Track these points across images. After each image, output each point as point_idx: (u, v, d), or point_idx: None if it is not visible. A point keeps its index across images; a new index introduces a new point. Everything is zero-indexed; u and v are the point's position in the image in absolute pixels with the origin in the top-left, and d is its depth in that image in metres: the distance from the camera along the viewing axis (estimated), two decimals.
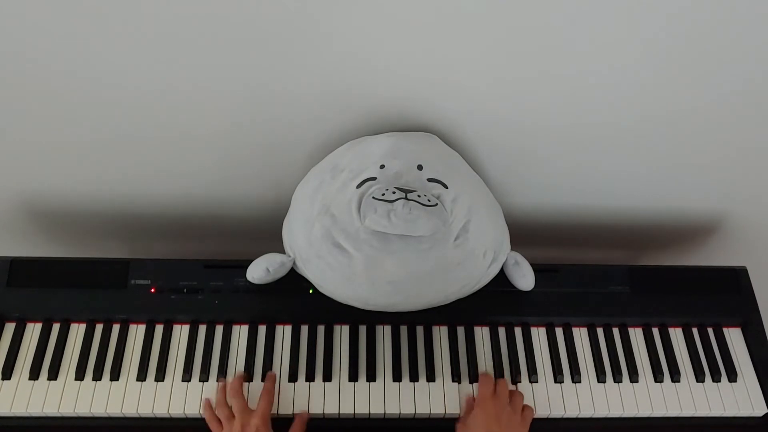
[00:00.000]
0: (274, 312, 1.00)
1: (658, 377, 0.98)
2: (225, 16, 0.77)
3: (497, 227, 0.97)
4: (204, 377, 0.95)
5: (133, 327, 0.98)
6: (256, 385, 0.94)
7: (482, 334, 1.00)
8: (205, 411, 0.91)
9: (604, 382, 0.97)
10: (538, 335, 1.01)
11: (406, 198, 0.85)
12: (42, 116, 0.94)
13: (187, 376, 0.95)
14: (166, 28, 0.79)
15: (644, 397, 0.96)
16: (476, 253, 0.92)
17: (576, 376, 0.97)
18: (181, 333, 0.98)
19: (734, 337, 1.02)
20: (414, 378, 0.96)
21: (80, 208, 1.17)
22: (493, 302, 1.00)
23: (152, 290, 0.99)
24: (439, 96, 0.92)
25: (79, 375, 0.94)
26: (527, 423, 0.90)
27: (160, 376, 0.94)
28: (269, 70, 0.86)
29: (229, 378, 0.95)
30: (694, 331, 1.03)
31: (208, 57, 0.84)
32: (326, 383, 0.95)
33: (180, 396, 0.93)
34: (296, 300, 0.99)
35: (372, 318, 0.98)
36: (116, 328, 0.98)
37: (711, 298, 1.04)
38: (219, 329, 0.99)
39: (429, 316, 0.98)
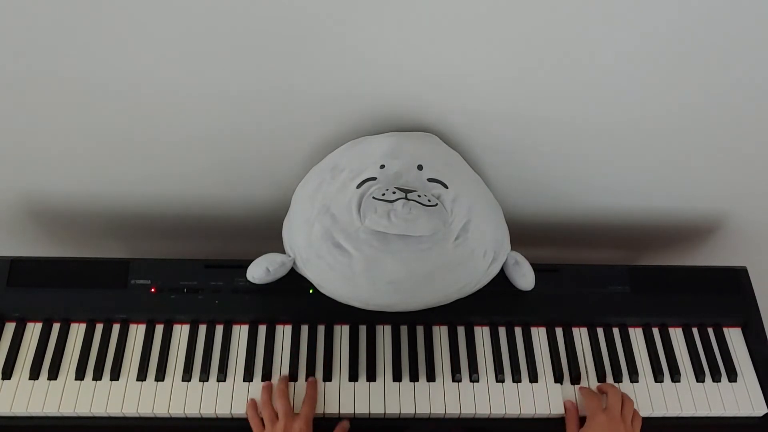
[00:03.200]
0: (274, 312, 1.00)
1: (658, 377, 0.98)
2: (226, 17, 0.77)
3: (497, 227, 0.97)
4: (204, 377, 0.95)
5: (133, 327, 0.98)
6: (255, 386, 0.94)
7: (482, 334, 1.00)
8: (249, 409, 0.91)
9: (604, 382, 0.97)
10: (538, 335, 1.01)
11: (406, 198, 0.85)
12: (42, 117, 0.94)
13: (187, 376, 0.95)
14: (167, 31, 0.79)
15: (644, 397, 0.96)
16: (476, 253, 0.92)
17: (576, 376, 0.97)
18: (181, 333, 0.98)
19: (734, 337, 1.02)
20: (414, 378, 0.95)
21: (80, 208, 1.17)
22: (493, 302, 1.00)
23: (152, 290, 0.99)
24: (439, 96, 0.92)
25: (79, 375, 0.94)
26: None
27: (160, 376, 0.94)
28: (269, 71, 0.86)
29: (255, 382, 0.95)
30: (694, 331, 1.03)
31: (208, 57, 0.84)
32: (326, 383, 0.95)
33: (180, 396, 0.93)
34: (296, 300, 0.99)
35: (372, 318, 0.98)
36: (116, 328, 0.98)
37: (711, 298, 1.04)
38: (219, 329, 0.98)
39: (429, 316, 0.98)
